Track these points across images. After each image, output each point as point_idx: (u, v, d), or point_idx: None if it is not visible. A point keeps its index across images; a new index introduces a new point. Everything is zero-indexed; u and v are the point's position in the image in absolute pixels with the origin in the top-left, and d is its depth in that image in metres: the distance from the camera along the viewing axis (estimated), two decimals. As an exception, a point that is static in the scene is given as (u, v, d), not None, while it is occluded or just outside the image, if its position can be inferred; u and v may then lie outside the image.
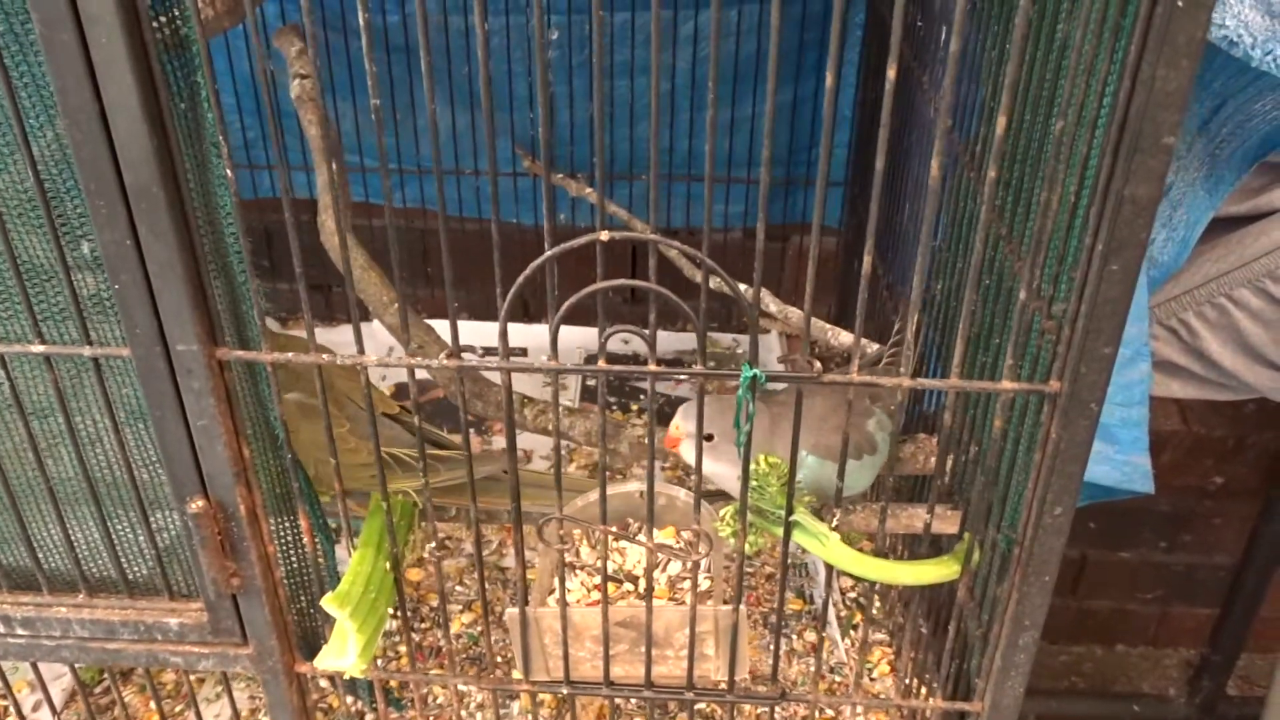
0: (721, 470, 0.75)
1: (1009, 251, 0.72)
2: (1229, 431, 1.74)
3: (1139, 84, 0.49)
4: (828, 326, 1.14)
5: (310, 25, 0.55)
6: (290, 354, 0.60)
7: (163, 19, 0.53)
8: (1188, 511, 1.82)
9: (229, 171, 0.56)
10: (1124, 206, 0.51)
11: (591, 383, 1.52)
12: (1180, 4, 0.46)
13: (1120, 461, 1.07)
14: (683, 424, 0.76)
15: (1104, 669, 2.02)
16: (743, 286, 1.24)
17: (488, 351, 1.61)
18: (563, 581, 0.65)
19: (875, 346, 1.08)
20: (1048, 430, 0.57)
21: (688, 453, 0.74)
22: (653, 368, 0.57)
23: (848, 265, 1.59)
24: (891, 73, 0.49)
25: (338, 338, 1.70)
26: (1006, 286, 0.73)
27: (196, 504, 0.63)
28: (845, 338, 1.13)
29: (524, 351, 1.53)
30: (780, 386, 0.80)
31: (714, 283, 1.26)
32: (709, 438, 0.75)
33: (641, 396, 1.49)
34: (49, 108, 0.56)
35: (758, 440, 0.72)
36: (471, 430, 1.43)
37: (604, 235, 0.54)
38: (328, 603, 0.65)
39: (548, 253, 0.54)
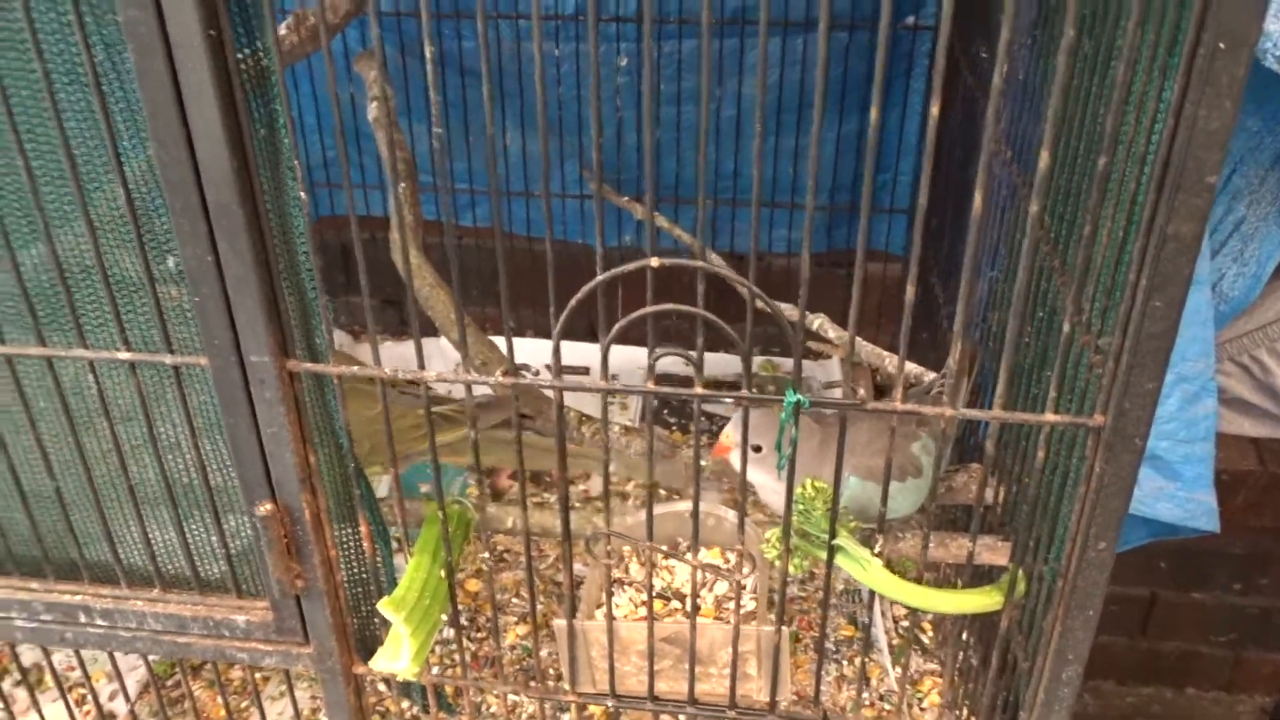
0: (767, 481, 0.77)
1: (1062, 284, 0.72)
2: (1307, 472, 1.68)
3: (1182, 123, 0.49)
4: (885, 354, 1.15)
5: (380, 51, 0.59)
6: (356, 367, 0.63)
7: (246, 51, 0.56)
8: (1264, 553, 1.77)
9: (302, 194, 0.59)
10: (1167, 243, 0.51)
11: (654, 402, 1.54)
12: (1222, 46, 0.47)
13: (1184, 499, 1.05)
14: (733, 433, 0.78)
15: (1173, 713, 1.97)
16: (810, 316, 1.25)
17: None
18: (609, 596, 0.66)
19: (931, 375, 1.08)
20: (1091, 464, 0.58)
21: (737, 461, 0.76)
22: (699, 390, 0.59)
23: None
24: (935, 109, 0.51)
25: (408, 351, 1.75)
26: (1059, 320, 0.73)
27: (265, 507, 0.66)
28: (907, 366, 1.13)
29: (585, 370, 1.56)
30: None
31: (772, 308, 1.27)
32: (757, 449, 0.76)
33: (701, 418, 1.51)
34: (141, 131, 0.60)
35: (805, 459, 0.73)
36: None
37: (654, 262, 0.56)
38: (384, 606, 0.67)
39: (598, 278, 0.56)
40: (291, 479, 0.66)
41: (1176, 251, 0.52)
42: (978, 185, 0.53)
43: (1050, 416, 0.58)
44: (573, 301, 0.57)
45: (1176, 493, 1.05)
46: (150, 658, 0.80)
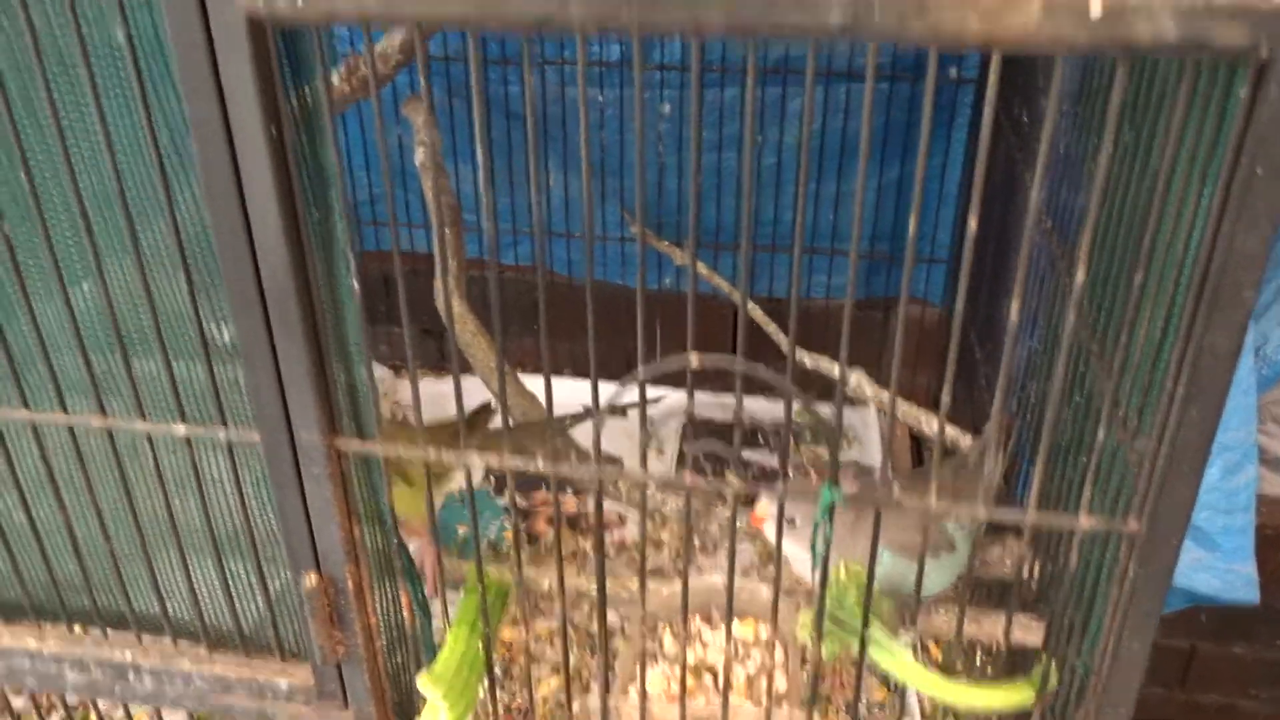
0: (800, 554, 0.78)
1: (1101, 371, 0.72)
2: (1351, 531, 1.66)
3: (1219, 240, 0.50)
4: (922, 414, 1.15)
5: (428, 97, 0.60)
6: (402, 448, 0.65)
7: (307, 150, 0.58)
8: (1306, 608, 1.74)
9: (355, 284, 0.61)
10: (1204, 355, 0.52)
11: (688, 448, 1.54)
12: (1260, 172, 0.47)
13: (1222, 570, 1.04)
14: (768, 505, 0.79)
15: (1211, 765, 1.94)
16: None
17: (588, 410, 1.65)
18: (643, 670, 0.67)
19: (968, 440, 1.08)
20: (1125, 568, 0.58)
21: (771, 532, 0.77)
22: (734, 483, 0.60)
23: (948, 339, 1.59)
24: (973, 223, 0.51)
25: (447, 389, 1.77)
26: (1096, 405, 0.73)
27: (310, 578, 0.68)
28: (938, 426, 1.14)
29: (624, 412, 1.57)
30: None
31: (810, 361, 1.27)
32: (791, 522, 0.77)
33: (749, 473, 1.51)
34: (202, 216, 0.62)
35: (838, 534, 0.74)
36: (568, 489, 1.47)
37: (694, 361, 0.57)
38: (423, 683, 0.69)
39: (639, 372, 0.58)
40: (336, 551, 0.67)
41: (1213, 363, 0.52)
42: (1014, 294, 0.53)
43: (1084, 521, 0.58)
44: (609, 399, 0.58)
45: (1215, 564, 1.04)
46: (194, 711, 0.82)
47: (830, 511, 0.57)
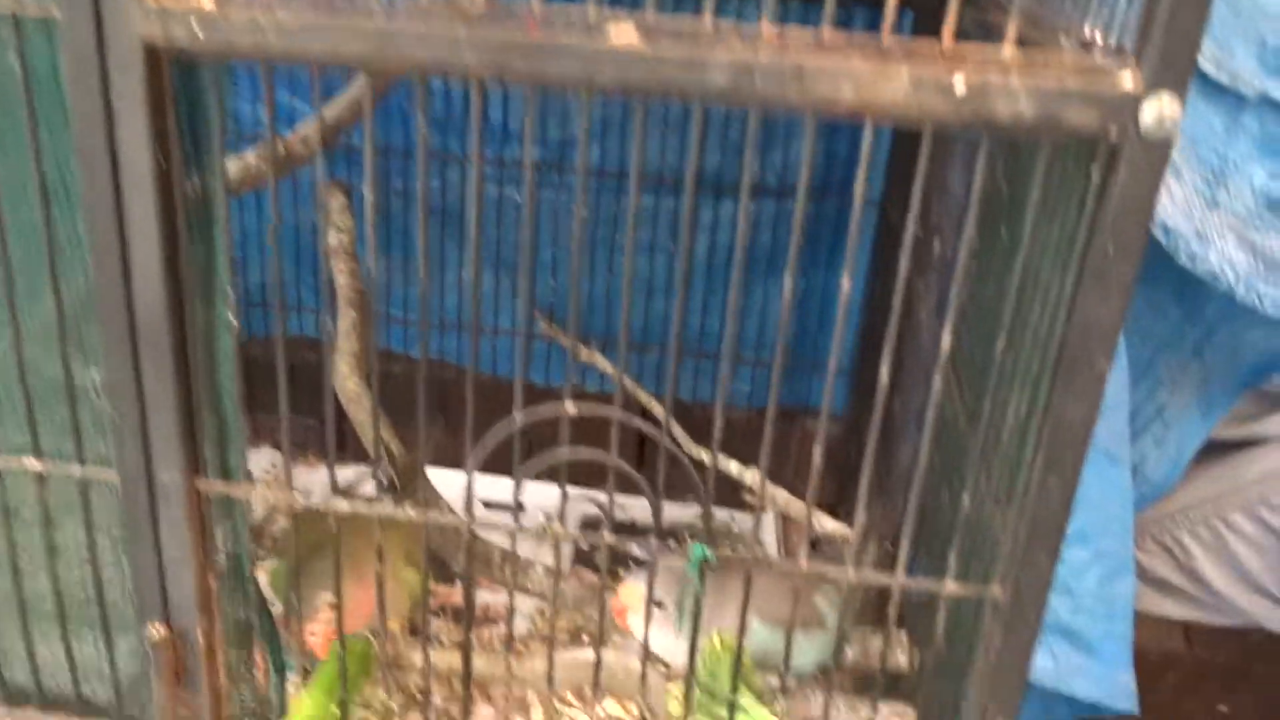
0: (669, 644, 0.76)
1: (972, 444, 0.74)
2: (1232, 659, 1.69)
3: (1075, 314, 0.52)
4: (815, 514, 1.16)
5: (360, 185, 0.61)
6: (266, 490, 0.63)
7: (194, 180, 0.58)
8: (1192, 739, 1.75)
9: (233, 319, 0.60)
10: (1062, 425, 0.54)
11: (585, 546, 1.52)
12: (1111, 250, 0.50)
13: (1100, 676, 1.05)
14: (632, 589, 0.77)
15: None
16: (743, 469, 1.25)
17: (488, 505, 1.62)
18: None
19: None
20: (989, 634, 0.58)
21: (636, 625, 0.75)
22: (607, 537, 0.59)
23: (848, 450, 1.61)
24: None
25: (345, 475, 1.72)
26: (970, 482, 0.75)
27: (157, 630, 0.64)
28: (831, 525, 1.15)
29: (521, 506, 1.55)
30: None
31: (707, 458, 1.28)
32: (659, 604, 0.75)
33: (631, 564, 1.50)
34: (82, 246, 0.61)
35: (710, 603, 0.73)
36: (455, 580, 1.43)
37: (570, 408, 0.57)
38: (268, 744, 0.65)
39: (517, 432, 0.57)
40: (188, 602, 0.64)
41: (1070, 433, 0.54)
42: (886, 354, 0.55)
43: (950, 585, 0.58)
44: (487, 440, 0.58)
45: (1095, 670, 1.05)
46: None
47: (701, 569, 0.57)
